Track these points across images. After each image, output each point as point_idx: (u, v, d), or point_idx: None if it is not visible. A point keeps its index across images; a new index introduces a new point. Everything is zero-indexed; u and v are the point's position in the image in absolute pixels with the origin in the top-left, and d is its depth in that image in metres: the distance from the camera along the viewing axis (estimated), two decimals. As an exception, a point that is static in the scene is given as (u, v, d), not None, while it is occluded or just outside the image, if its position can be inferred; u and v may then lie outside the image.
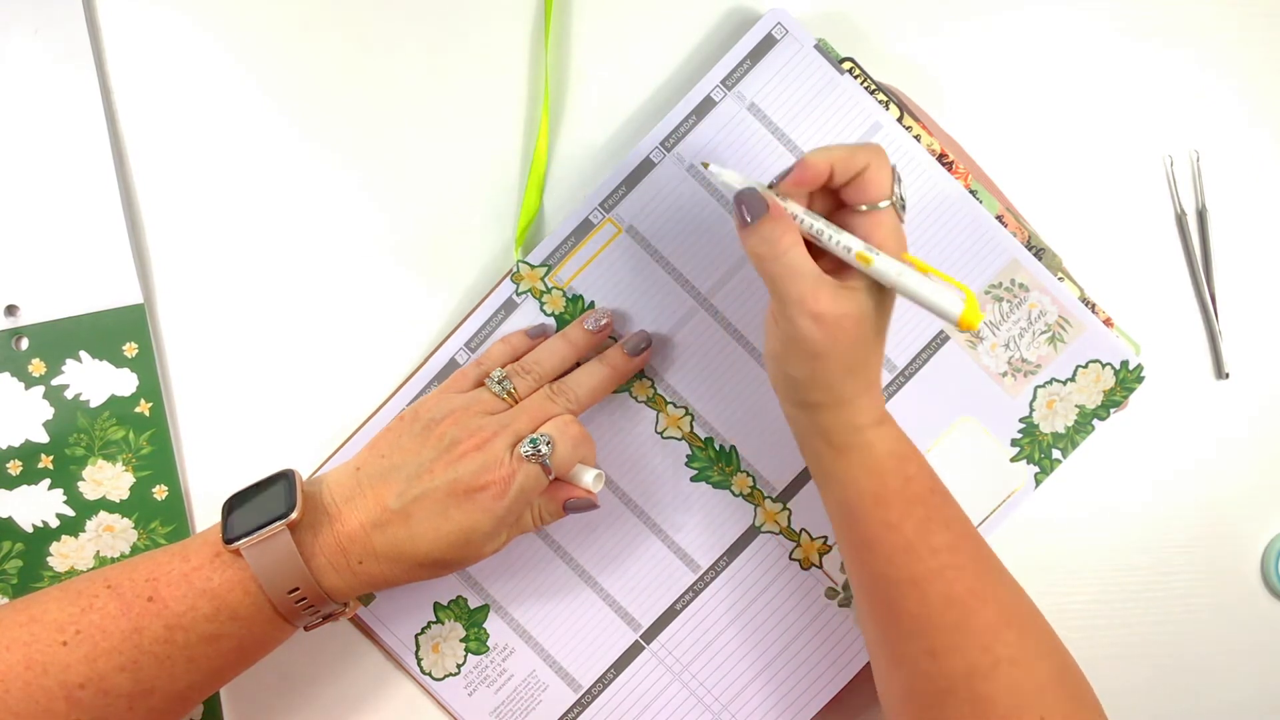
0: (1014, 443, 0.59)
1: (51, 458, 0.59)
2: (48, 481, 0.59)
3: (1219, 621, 0.62)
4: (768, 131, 0.58)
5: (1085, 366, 0.59)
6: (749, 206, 0.46)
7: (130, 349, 0.59)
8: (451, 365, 0.58)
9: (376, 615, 0.59)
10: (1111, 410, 0.59)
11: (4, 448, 0.59)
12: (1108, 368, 0.59)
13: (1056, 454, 0.59)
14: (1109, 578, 0.62)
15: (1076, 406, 0.59)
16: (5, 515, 0.59)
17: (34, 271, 0.59)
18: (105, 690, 0.45)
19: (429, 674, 0.59)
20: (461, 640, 0.59)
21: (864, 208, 0.47)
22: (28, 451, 0.59)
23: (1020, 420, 0.59)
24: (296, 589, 0.48)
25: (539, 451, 0.51)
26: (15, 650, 0.45)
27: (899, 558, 0.47)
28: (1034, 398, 0.59)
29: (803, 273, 0.46)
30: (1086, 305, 0.59)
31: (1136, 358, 0.59)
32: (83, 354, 0.59)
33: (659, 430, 0.59)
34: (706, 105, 0.58)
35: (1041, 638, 0.48)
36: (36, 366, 0.59)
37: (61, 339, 0.59)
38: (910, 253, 0.58)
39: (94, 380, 0.59)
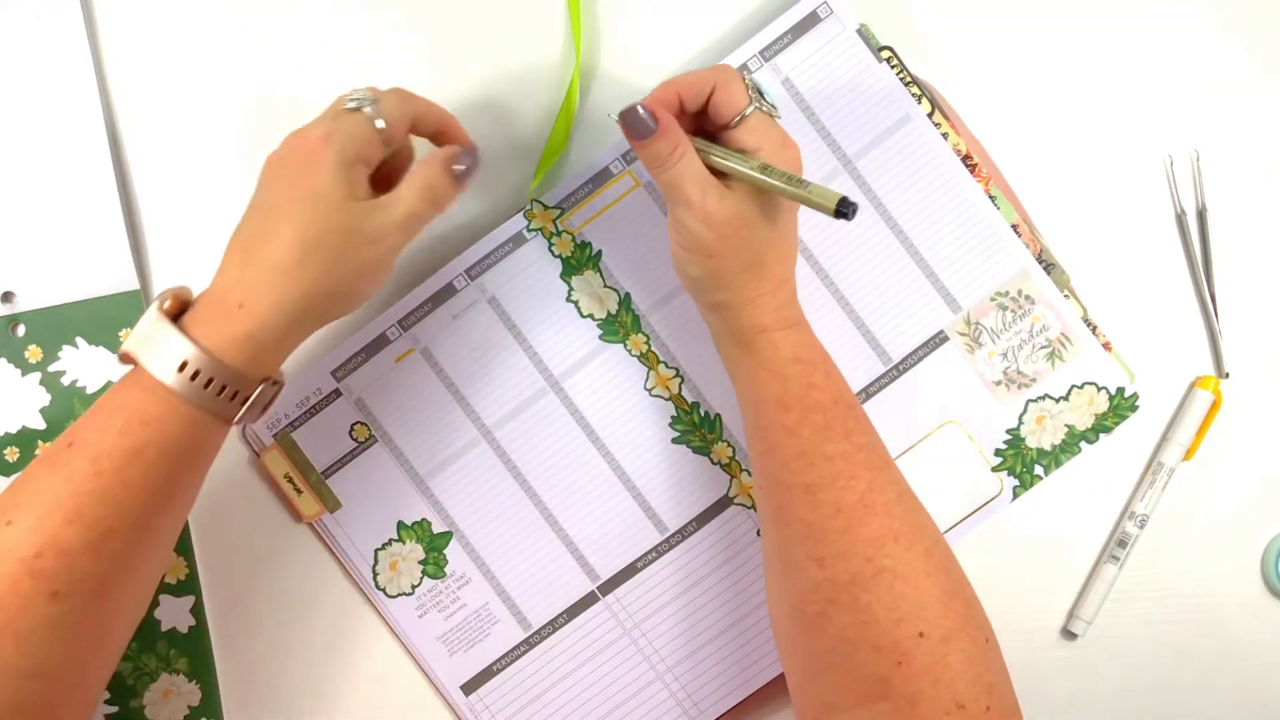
0: (998, 452, 0.59)
1: (48, 445, 0.59)
2: None
3: (1219, 621, 0.61)
4: (797, 108, 0.59)
5: (1081, 387, 0.59)
6: (634, 127, 0.49)
7: (126, 335, 0.59)
8: (448, 289, 0.59)
9: (340, 524, 0.59)
10: (1101, 435, 0.59)
11: (1, 434, 0.59)
12: (1103, 392, 0.59)
13: (1039, 470, 0.59)
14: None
15: (1066, 426, 0.59)
16: (2, 502, 0.59)
17: (30, 258, 0.59)
18: (62, 550, 0.44)
19: (383, 590, 0.59)
20: (420, 562, 0.59)
21: (736, 120, 0.50)
22: (24, 438, 0.59)
23: (1007, 431, 0.59)
24: (184, 364, 0.46)
25: (359, 101, 0.49)
26: None
27: (794, 463, 0.49)
28: (1024, 410, 0.59)
29: (692, 178, 0.49)
30: (1088, 326, 0.59)
31: (1131, 386, 0.59)
32: (79, 340, 0.59)
33: (648, 387, 0.59)
34: (741, 73, 0.58)
35: (933, 557, 0.48)
36: (33, 353, 0.59)
37: (58, 325, 0.59)
38: (921, 245, 0.59)
39: (90, 366, 0.59)
